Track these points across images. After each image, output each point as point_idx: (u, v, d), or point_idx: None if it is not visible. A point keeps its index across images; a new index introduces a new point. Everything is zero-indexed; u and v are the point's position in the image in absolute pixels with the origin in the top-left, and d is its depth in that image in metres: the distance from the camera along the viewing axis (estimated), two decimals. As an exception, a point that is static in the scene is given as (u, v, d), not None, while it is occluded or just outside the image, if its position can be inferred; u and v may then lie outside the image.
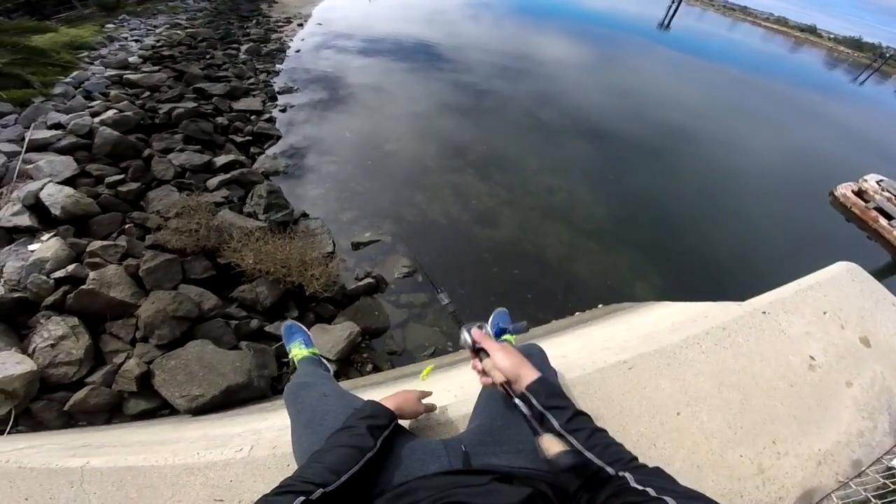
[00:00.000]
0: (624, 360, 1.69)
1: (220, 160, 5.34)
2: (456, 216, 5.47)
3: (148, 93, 6.68)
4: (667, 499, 0.51)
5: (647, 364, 1.69)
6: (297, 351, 1.96)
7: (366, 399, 1.04)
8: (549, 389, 0.82)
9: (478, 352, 0.95)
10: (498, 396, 1.01)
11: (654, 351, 1.75)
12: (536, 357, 1.22)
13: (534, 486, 0.66)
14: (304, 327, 2.21)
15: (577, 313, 4.22)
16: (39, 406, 2.60)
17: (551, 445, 0.67)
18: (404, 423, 1.11)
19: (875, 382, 1.81)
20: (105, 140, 4.86)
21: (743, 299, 2.16)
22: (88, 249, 3.46)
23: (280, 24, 12.77)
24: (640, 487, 0.56)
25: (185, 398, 2.65)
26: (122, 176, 4.60)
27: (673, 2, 32.75)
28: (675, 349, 1.76)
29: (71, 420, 2.66)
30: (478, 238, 5.17)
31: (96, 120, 5.26)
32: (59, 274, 3.15)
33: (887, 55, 36.80)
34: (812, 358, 1.83)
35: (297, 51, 10.73)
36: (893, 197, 9.02)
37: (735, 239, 6.60)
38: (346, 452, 0.78)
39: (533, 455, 0.78)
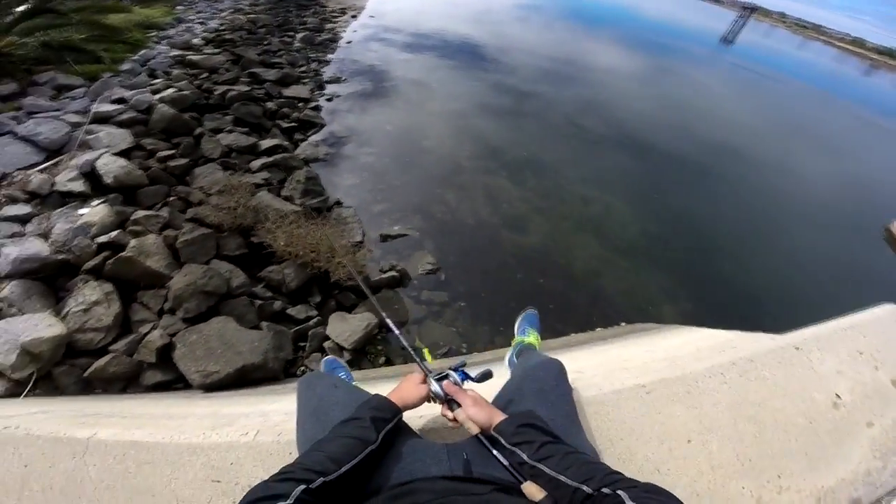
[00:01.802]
0: (643, 384, 1.66)
1: (265, 143, 5.56)
2: (485, 218, 5.46)
3: (206, 74, 7.04)
4: None
5: (666, 390, 1.65)
6: None
7: (374, 393, 1.06)
8: (516, 426, 0.82)
9: (449, 402, 0.96)
10: (504, 407, 1.03)
11: (676, 378, 1.72)
12: (552, 375, 1.20)
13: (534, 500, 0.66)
14: (344, 363, 2.29)
15: (598, 329, 4.13)
16: (61, 371, 2.64)
17: (533, 492, 0.68)
18: (413, 419, 1.11)
19: None
20: (162, 116, 5.17)
21: (774, 332, 2.07)
22: (133, 217, 3.61)
23: (335, 14, 13.11)
24: None
25: (199, 373, 2.66)
26: (172, 151, 4.87)
27: (740, 16, 31.19)
28: (696, 377, 1.72)
29: (87, 387, 2.69)
30: (505, 242, 5.15)
31: (156, 97, 5.60)
32: (102, 239, 3.27)
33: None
34: (838, 396, 1.75)
35: (349, 42, 10.99)
36: None
37: (775, 269, 6.22)
38: (348, 443, 0.78)
39: None
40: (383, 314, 1.51)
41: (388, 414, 0.92)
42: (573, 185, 6.67)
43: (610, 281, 4.97)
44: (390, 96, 8.42)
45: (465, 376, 1.08)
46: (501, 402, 1.12)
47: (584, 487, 0.63)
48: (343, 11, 13.56)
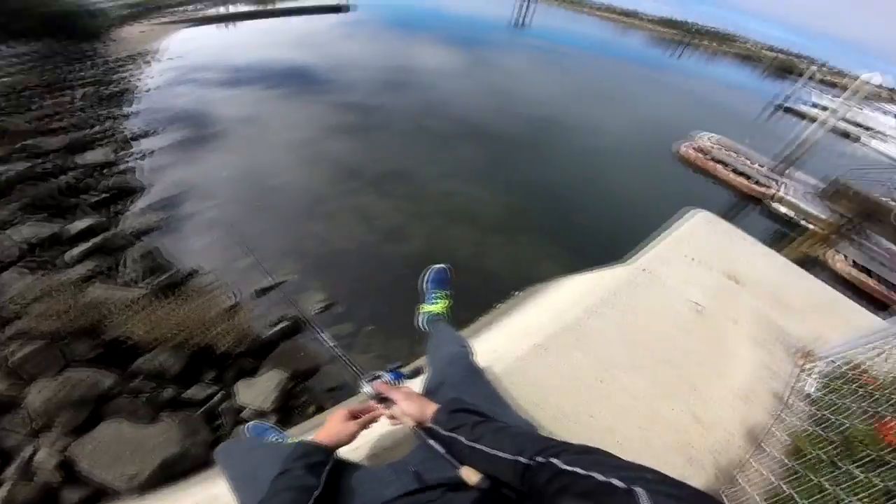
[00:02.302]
0: (539, 343, 1.81)
1: (75, 227, 4.62)
2: (363, 238, 5.39)
3: (-40, 160, 5.50)
4: (593, 474, 0.53)
5: (560, 342, 1.83)
6: None
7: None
8: (448, 412, 0.85)
9: (382, 400, 0.98)
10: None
11: (563, 328, 1.90)
12: (464, 364, 1.25)
13: (485, 487, 0.68)
14: (271, 424, 2.20)
15: (497, 305, 4.42)
16: None
17: (470, 476, 0.70)
18: (350, 453, 1.07)
19: (756, 316, 2.11)
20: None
21: (624, 256, 2.46)
22: None
23: (122, 62, 11.31)
24: (570, 468, 0.56)
25: (122, 478, 2.53)
26: None
27: (524, 1, 35.68)
28: (579, 322, 1.93)
29: None
30: (389, 255, 5.17)
31: None
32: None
33: (694, 30, 44.60)
34: (696, 304, 2.11)
35: (150, 90, 9.62)
36: (724, 148, 11.17)
37: (610, 204, 7.60)
38: (290, 497, 0.73)
39: None
40: (306, 318, 1.40)
41: (320, 456, 0.86)
42: (434, 183, 6.98)
43: (492, 259, 5.37)
44: (219, 139, 7.66)
45: (399, 375, 1.10)
46: (427, 396, 1.14)
47: (520, 458, 0.64)
48: (132, 58, 11.76)
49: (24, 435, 2.80)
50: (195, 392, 3.26)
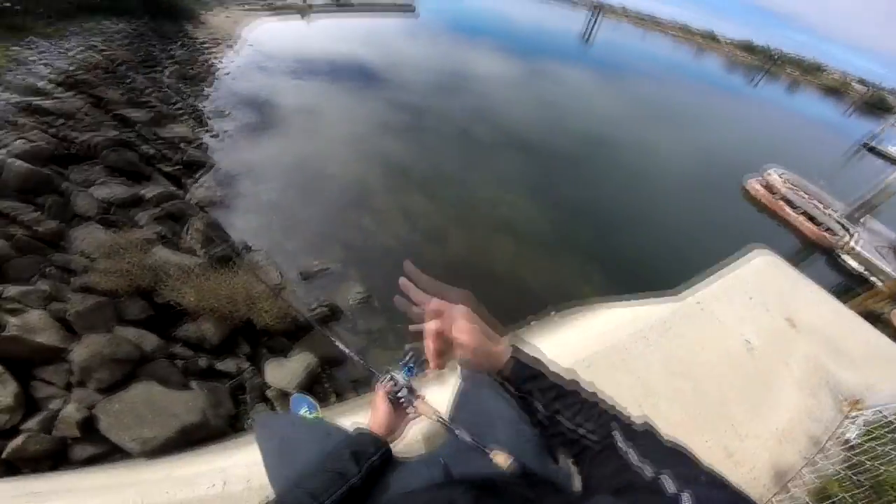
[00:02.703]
0: (583, 359, 1.80)
1: (149, 192, 5.01)
2: (405, 236, 5.50)
3: (62, 120, 6.11)
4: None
5: (604, 361, 1.82)
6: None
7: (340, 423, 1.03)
8: (523, 367, 0.70)
9: (399, 399, 0.94)
10: (471, 401, 1.05)
11: (608, 348, 1.89)
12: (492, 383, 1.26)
13: (506, 490, 0.68)
14: (309, 397, 2.31)
15: (532, 322, 4.38)
16: None
17: (501, 461, 0.69)
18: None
19: (808, 360, 2.03)
20: (15, 173, 4.40)
21: (676, 287, 2.39)
22: (6, 295, 3.18)
23: (207, 45, 12.20)
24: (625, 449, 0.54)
25: (136, 441, 2.55)
26: (37, 214, 4.18)
27: (592, 15, 35.10)
28: (625, 344, 1.92)
29: (11, 469, 2.52)
30: (429, 256, 5.24)
31: (3, 151, 4.76)
32: (-26, 322, 2.86)
33: (776, 57, 41.87)
34: (748, 342, 2.04)
35: (228, 73, 10.33)
36: (794, 187, 10.35)
37: (665, 234, 7.22)
38: (328, 478, 0.75)
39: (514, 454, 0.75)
40: (333, 339, 1.45)
41: (369, 447, 0.86)
42: (479, 190, 7.01)
43: (530, 273, 5.32)
44: (283, 126, 8.09)
45: (411, 371, 1.07)
46: (463, 418, 1.10)
47: (597, 440, 0.59)
48: (216, 42, 12.67)
49: (60, 387, 2.86)
50: (227, 365, 3.33)
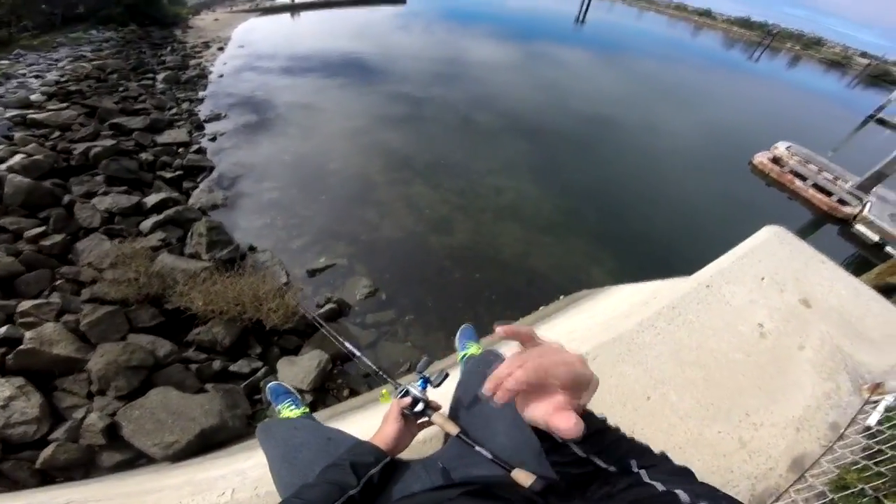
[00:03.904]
0: (587, 352, 1.73)
1: (151, 200, 4.99)
2: (411, 228, 5.45)
3: (58, 133, 6.11)
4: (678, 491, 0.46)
5: (609, 353, 1.74)
6: (288, 413, 1.97)
7: (344, 425, 1.04)
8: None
9: (415, 414, 0.94)
10: (474, 405, 1.03)
11: (613, 339, 1.81)
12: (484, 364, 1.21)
13: (508, 497, 0.65)
14: (287, 386, 2.26)
15: (541, 307, 4.33)
16: (9, 466, 2.55)
17: (522, 478, 0.67)
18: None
19: (825, 343, 1.93)
20: (16, 188, 4.41)
21: (688, 270, 2.30)
22: (19, 310, 3.26)
23: (198, 49, 12.11)
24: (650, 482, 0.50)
25: (158, 446, 2.62)
26: (42, 228, 4.23)
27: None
28: (631, 334, 1.83)
29: (47, 478, 2.62)
30: (435, 247, 5.19)
31: (2, 167, 4.75)
32: (-8, 337, 2.98)
33: (774, 32, 41.10)
34: (761, 326, 1.94)
35: (221, 75, 10.24)
36: (803, 160, 10.16)
37: (673, 213, 7.10)
38: (326, 489, 0.76)
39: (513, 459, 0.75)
40: (341, 341, 1.45)
41: (369, 458, 0.87)
42: (484, 178, 6.92)
43: (539, 259, 5.25)
44: (281, 124, 8.02)
45: (426, 382, 1.05)
46: (463, 406, 1.10)
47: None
48: (206, 45, 12.57)
49: (82, 396, 2.94)
50: (240, 366, 3.38)
